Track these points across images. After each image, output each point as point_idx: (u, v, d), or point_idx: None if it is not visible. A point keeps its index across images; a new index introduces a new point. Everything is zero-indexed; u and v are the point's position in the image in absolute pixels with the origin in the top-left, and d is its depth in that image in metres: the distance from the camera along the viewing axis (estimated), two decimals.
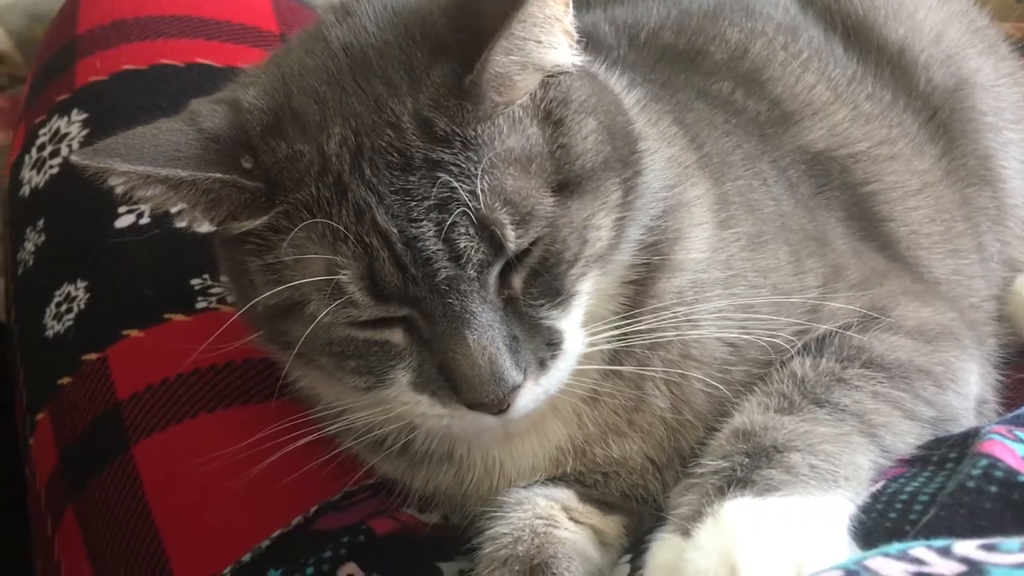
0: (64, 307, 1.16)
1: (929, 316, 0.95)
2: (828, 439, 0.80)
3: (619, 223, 0.82)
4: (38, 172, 1.27)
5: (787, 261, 0.92)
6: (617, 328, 0.83)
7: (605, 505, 0.91)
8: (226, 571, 0.96)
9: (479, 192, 0.73)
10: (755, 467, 0.78)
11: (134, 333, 1.11)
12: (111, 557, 1.01)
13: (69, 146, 1.25)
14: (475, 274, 0.75)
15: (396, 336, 0.79)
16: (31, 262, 1.23)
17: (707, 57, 1.12)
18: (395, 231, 0.74)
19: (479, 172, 0.73)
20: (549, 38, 0.77)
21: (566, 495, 0.89)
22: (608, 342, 0.83)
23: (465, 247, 0.74)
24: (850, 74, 1.15)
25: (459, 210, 0.73)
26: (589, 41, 1.05)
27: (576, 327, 0.81)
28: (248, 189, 0.76)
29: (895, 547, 0.63)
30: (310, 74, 0.79)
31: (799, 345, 0.88)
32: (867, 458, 0.81)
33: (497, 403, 0.77)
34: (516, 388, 0.77)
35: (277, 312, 0.79)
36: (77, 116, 1.27)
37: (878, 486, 0.80)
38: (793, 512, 0.75)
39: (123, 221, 1.17)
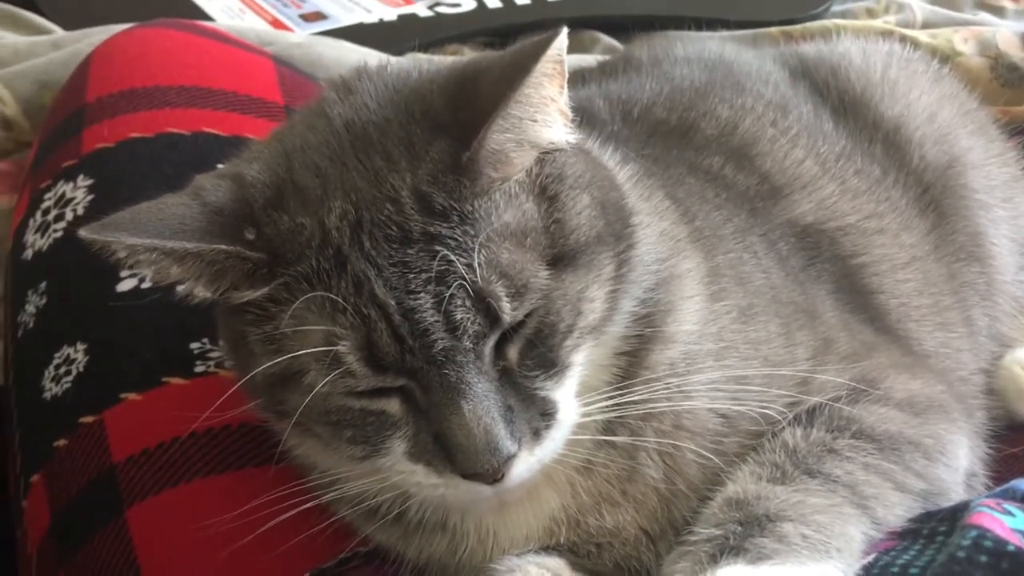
0: (63, 369, 1.16)
1: (918, 388, 0.96)
2: (820, 510, 0.81)
3: (612, 295, 0.83)
4: (42, 236, 1.28)
5: (778, 333, 0.93)
6: (610, 398, 0.84)
7: (597, 575, 0.91)
8: None
9: (476, 265, 0.75)
10: (748, 535, 0.79)
11: (132, 396, 1.11)
12: None
13: (74, 211, 1.27)
14: (471, 345, 0.76)
15: (392, 406, 0.79)
16: (31, 324, 1.23)
17: (698, 132, 1.14)
18: (393, 303, 0.75)
19: (476, 246, 0.75)
20: (544, 117, 0.80)
21: (558, 564, 0.89)
22: (602, 412, 0.84)
23: (462, 319, 0.75)
24: (839, 150, 1.17)
25: (456, 283, 0.74)
26: (584, 116, 1.09)
27: (570, 397, 0.82)
28: (251, 260, 0.77)
29: None
30: (312, 149, 0.81)
31: (790, 416, 0.89)
32: (859, 529, 0.82)
33: (492, 473, 0.77)
34: (511, 458, 0.77)
35: (275, 381, 0.80)
36: (83, 182, 1.28)
37: (869, 559, 0.81)
38: None
39: (125, 285, 1.18)
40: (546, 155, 0.82)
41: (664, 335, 0.88)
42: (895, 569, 0.78)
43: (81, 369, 1.15)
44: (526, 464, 0.79)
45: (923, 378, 0.98)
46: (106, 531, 1.04)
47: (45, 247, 1.27)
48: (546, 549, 0.90)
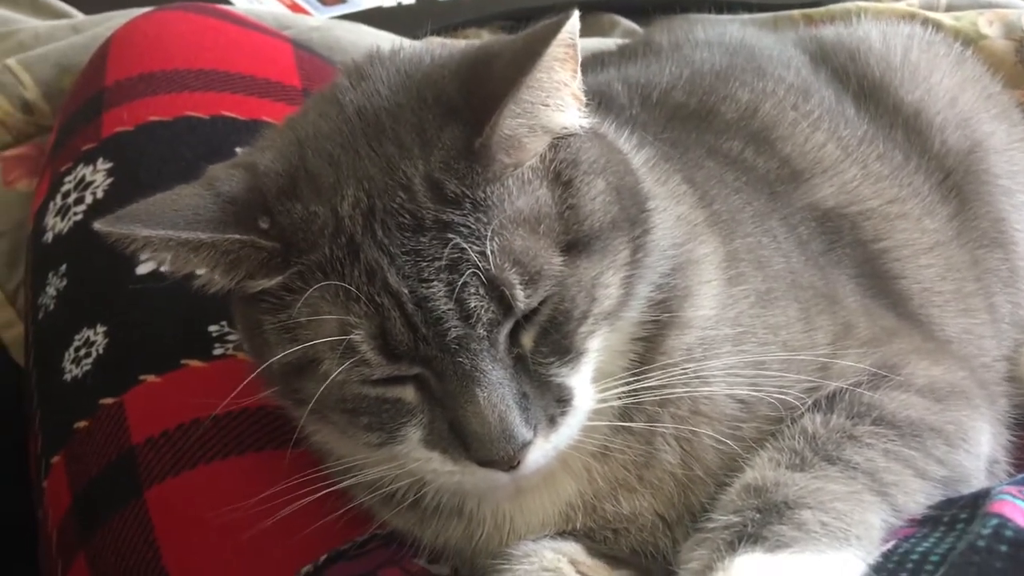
0: (83, 351, 1.17)
1: (940, 375, 0.95)
2: (839, 497, 0.80)
3: (628, 281, 0.82)
4: (62, 219, 1.29)
5: (797, 318, 0.92)
6: (627, 384, 0.84)
7: (614, 560, 0.90)
8: None
9: (489, 253, 0.74)
10: (766, 523, 0.78)
11: (151, 378, 1.12)
12: None
13: (93, 194, 1.27)
14: (485, 333, 0.76)
15: (408, 394, 0.79)
16: (52, 306, 1.24)
17: (718, 116, 1.13)
18: (406, 291, 0.75)
19: (489, 233, 0.75)
20: (557, 102, 0.79)
21: (574, 548, 0.89)
22: (618, 398, 0.84)
23: (475, 307, 0.75)
24: (860, 134, 1.16)
25: (469, 271, 0.74)
26: (602, 100, 1.08)
27: (586, 383, 0.82)
28: (265, 249, 0.78)
29: None
30: (324, 137, 0.80)
31: (809, 402, 0.89)
32: (878, 517, 0.81)
33: (507, 460, 0.77)
34: (526, 445, 0.77)
35: (291, 370, 0.80)
36: (102, 165, 1.29)
37: (889, 546, 0.80)
38: (804, 569, 0.75)
39: (144, 268, 1.18)
40: (560, 140, 0.81)
41: (681, 320, 0.88)
42: (915, 556, 0.77)
43: (101, 351, 1.16)
44: (542, 451, 0.79)
45: (945, 364, 0.97)
46: (126, 511, 1.05)
47: (65, 230, 1.28)
48: (562, 534, 0.90)
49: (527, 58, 0.76)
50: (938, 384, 0.94)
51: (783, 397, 0.87)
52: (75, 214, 1.28)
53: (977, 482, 0.91)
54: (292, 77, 1.44)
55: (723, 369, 0.87)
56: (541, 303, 0.77)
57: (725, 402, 0.88)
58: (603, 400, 0.83)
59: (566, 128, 0.81)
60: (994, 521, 0.75)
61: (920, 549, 0.78)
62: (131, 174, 1.27)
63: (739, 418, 0.88)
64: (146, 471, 1.06)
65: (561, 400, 0.80)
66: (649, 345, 0.87)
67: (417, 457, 0.81)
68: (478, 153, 0.77)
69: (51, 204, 1.32)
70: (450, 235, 0.75)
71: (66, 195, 1.31)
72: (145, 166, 1.27)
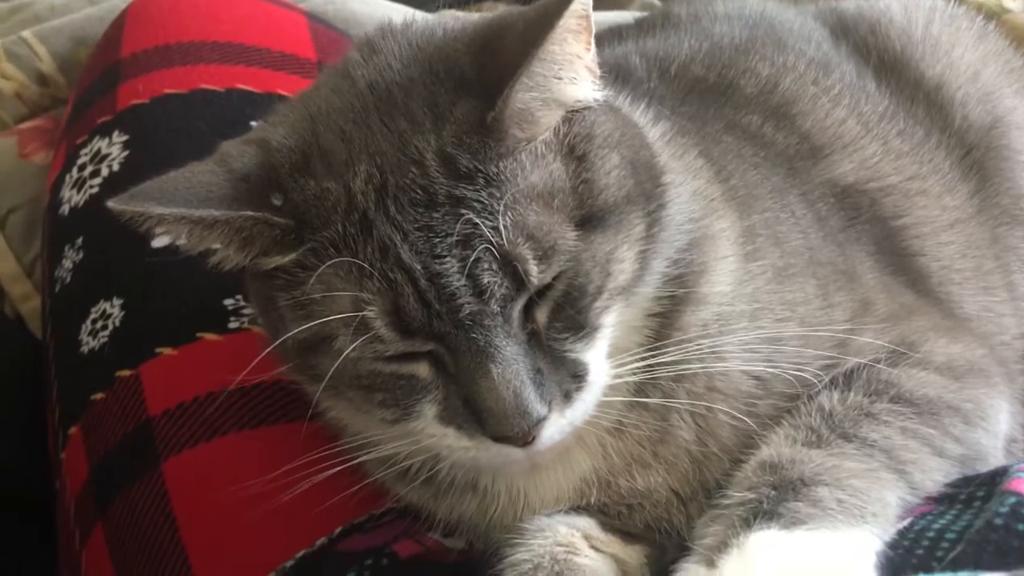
0: (100, 324, 1.18)
1: (959, 352, 0.95)
2: (856, 474, 0.80)
3: (642, 256, 0.82)
4: (78, 191, 1.30)
5: (815, 294, 0.92)
6: (642, 360, 0.84)
7: (627, 535, 0.91)
8: None
9: (502, 228, 0.74)
10: (782, 500, 0.78)
11: (167, 351, 1.13)
12: (137, 573, 1.03)
13: (109, 167, 1.27)
14: (498, 309, 0.75)
15: (422, 370, 0.79)
16: (68, 279, 1.25)
17: (737, 91, 1.12)
18: (419, 267, 0.75)
19: (501, 208, 0.74)
20: (570, 74, 0.78)
21: (588, 523, 0.90)
22: (633, 374, 0.84)
23: (488, 282, 0.74)
24: (881, 110, 1.14)
25: (482, 246, 0.74)
26: (620, 73, 1.07)
27: (601, 359, 0.81)
28: (279, 226, 0.78)
29: None
30: (336, 112, 0.80)
31: (826, 379, 0.88)
32: (895, 494, 0.81)
33: (522, 436, 0.77)
34: (541, 421, 0.77)
35: (306, 346, 0.80)
36: (118, 138, 1.29)
37: (905, 523, 0.80)
38: (819, 546, 0.75)
39: (160, 241, 1.18)
40: (574, 114, 0.80)
41: (697, 296, 0.87)
42: (931, 533, 0.77)
43: (117, 324, 1.16)
44: (557, 427, 0.79)
45: (963, 342, 0.96)
46: (143, 483, 1.06)
47: (81, 203, 1.28)
48: (576, 510, 0.90)
49: (539, 30, 0.75)
50: (956, 362, 0.94)
51: (800, 374, 0.86)
52: (91, 187, 1.28)
53: (995, 460, 0.91)
54: (307, 50, 1.44)
55: (739, 345, 0.86)
56: (555, 278, 0.77)
57: (741, 378, 0.87)
58: (618, 376, 0.83)
59: (580, 101, 0.80)
60: (1012, 499, 0.75)
61: (936, 527, 0.78)
62: (147, 147, 1.27)
63: (755, 395, 0.88)
64: (163, 443, 1.07)
65: (576, 376, 0.80)
66: (665, 321, 0.86)
67: (432, 433, 0.81)
68: (491, 127, 0.76)
69: (67, 177, 1.33)
70: (463, 210, 0.74)
71: (82, 168, 1.31)
72: (161, 139, 1.27)
